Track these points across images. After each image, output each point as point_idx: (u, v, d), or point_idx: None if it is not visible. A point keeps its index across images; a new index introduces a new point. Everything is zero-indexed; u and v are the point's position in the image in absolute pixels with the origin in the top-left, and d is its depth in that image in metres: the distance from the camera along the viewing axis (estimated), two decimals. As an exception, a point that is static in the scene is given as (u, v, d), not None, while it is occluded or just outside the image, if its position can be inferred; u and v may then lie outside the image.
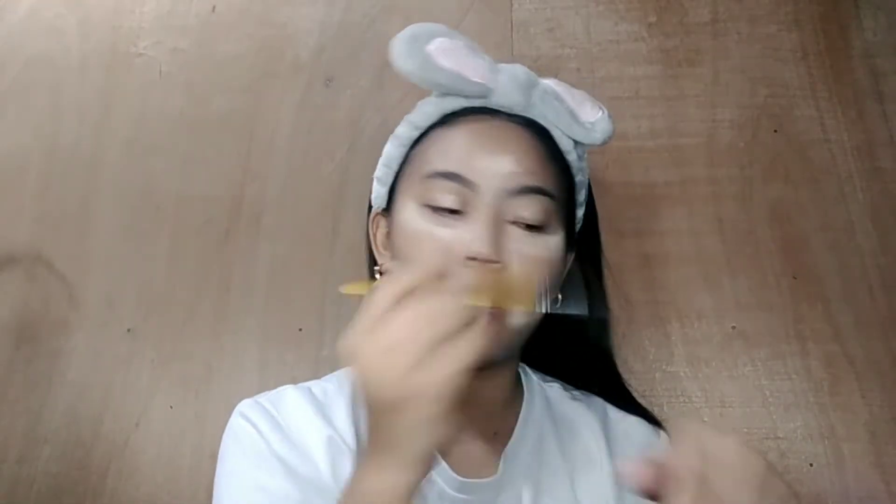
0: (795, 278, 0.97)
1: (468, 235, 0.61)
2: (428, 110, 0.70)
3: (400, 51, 0.66)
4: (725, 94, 1.07)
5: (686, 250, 1.00)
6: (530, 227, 0.64)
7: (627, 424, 0.75)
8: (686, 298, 0.98)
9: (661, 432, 0.73)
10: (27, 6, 1.21)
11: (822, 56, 1.08)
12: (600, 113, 0.71)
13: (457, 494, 0.64)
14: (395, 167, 0.71)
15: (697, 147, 1.05)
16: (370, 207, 0.75)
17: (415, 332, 0.44)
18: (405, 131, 0.71)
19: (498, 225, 0.62)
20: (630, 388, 0.81)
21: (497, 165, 0.64)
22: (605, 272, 0.80)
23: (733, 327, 0.96)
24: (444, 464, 0.65)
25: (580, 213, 0.75)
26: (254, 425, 0.64)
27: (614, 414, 0.75)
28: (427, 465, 0.46)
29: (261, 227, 1.05)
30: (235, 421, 0.65)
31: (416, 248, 0.63)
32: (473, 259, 0.60)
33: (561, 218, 0.67)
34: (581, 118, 0.70)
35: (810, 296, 0.97)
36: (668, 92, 1.08)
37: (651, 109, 1.07)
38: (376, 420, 0.46)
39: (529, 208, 0.63)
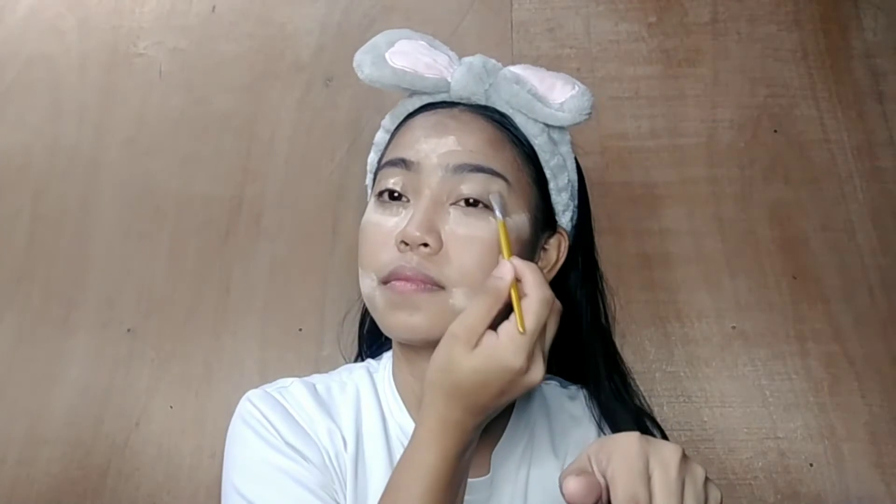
0: (795, 278, 0.97)
1: (405, 221, 0.62)
2: (397, 112, 0.71)
3: (359, 60, 0.67)
4: (725, 94, 1.07)
5: (686, 250, 1.00)
6: (470, 208, 0.63)
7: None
8: (686, 298, 0.98)
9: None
10: (27, 6, 1.21)
11: (822, 56, 1.08)
12: (572, 91, 0.69)
13: None
14: (374, 172, 0.73)
15: (697, 147, 1.05)
16: None
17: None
18: (380, 137, 0.72)
19: (436, 207, 0.62)
20: (631, 382, 0.80)
21: (438, 145, 0.64)
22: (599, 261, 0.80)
23: (733, 327, 0.96)
24: None
25: (563, 197, 0.72)
26: (262, 413, 0.65)
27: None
28: None
29: (261, 227, 1.05)
30: (245, 407, 0.66)
31: (364, 239, 0.65)
32: (404, 243, 0.61)
33: (522, 200, 0.66)
34: (549, 100, 0.69)
35: (810, 296, 0.97)
36: (668, 92, 1.08)
37: (651, 109, 1.07)
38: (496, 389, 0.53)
39: (469, 185, 0.63)
